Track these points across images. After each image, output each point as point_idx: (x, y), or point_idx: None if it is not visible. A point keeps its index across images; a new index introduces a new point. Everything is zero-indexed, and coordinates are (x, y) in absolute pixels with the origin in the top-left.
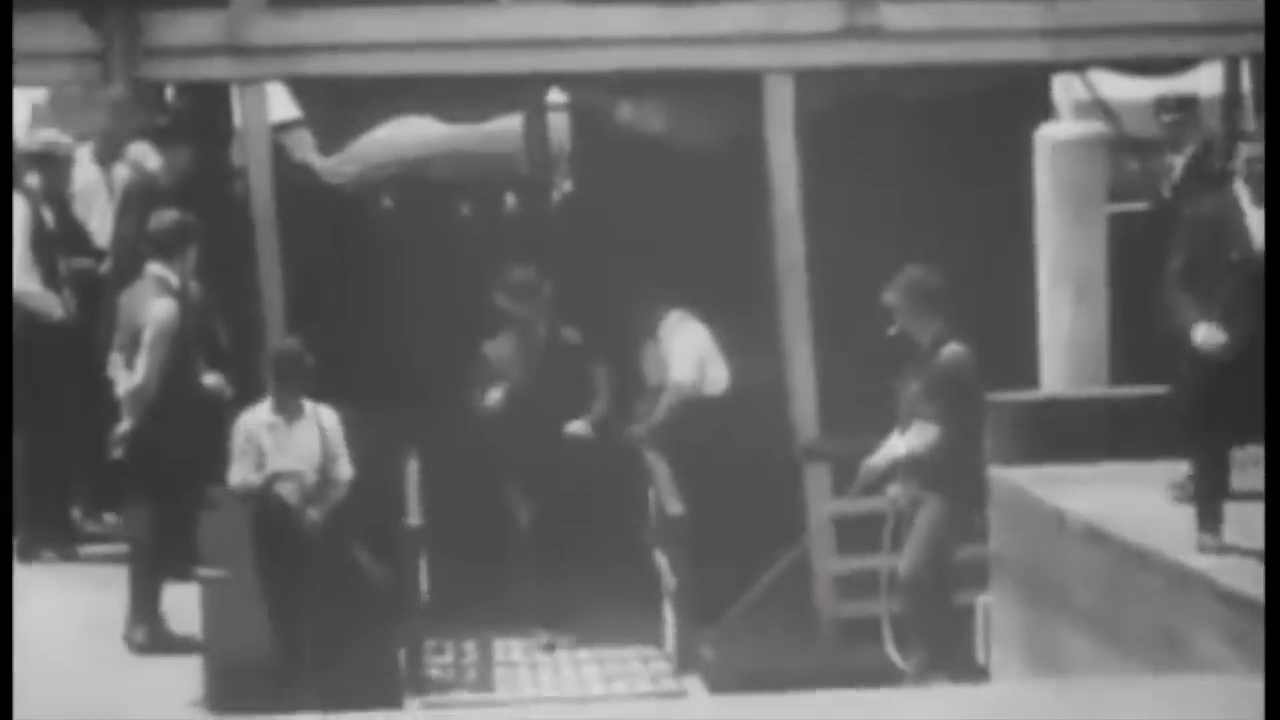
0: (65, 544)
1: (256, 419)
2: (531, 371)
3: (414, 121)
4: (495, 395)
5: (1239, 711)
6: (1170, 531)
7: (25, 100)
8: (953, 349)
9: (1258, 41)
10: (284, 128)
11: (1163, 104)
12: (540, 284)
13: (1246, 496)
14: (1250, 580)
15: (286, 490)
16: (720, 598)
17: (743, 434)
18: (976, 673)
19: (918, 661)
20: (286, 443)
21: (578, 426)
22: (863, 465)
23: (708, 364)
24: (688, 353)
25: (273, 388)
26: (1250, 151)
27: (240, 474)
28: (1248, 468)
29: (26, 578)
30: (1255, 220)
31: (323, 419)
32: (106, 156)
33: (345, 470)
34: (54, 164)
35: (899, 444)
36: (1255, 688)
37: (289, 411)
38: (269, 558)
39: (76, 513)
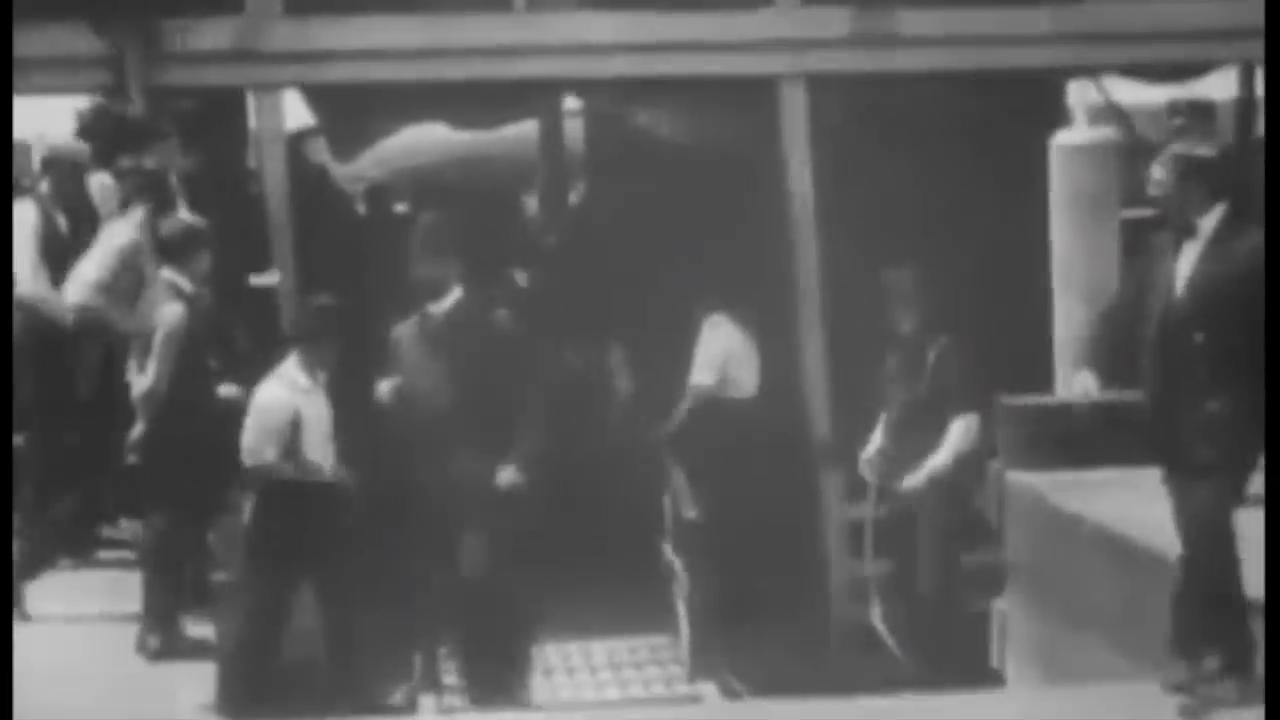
0: (82, 550)
1: (288, 386)
2: (434, 359)
3: (430, 128)
4: (385, 387)
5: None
6: None
7: (69, 107)
8: (947, 339)
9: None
10: (300, 136)
11: (1173, 108)
12: (453, 237)
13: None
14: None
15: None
16: (736, 603)
17: (759, 439)
18: (992, 679)
19: (930, 665)
20: (321, 411)
21: (508, 475)
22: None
23: (732, 366)
24: (710, 355)
25: (308, 347)
26: None
27: (272, 453)
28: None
29: (42, 584)
30: None
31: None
32: (110, 162)
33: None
34: (67, 169)
35: (941, 454)
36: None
37: (317, 376)
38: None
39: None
